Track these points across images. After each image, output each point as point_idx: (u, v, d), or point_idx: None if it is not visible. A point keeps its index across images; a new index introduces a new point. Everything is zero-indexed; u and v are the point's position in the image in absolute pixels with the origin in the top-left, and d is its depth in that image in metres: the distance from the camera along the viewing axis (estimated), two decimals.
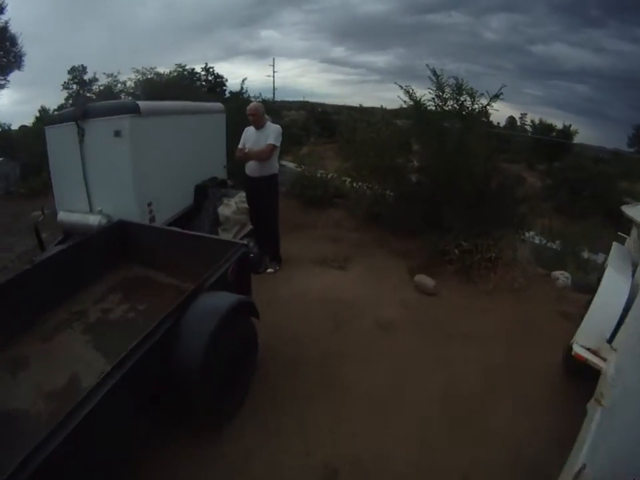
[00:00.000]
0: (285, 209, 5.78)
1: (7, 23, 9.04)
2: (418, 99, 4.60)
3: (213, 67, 18.70)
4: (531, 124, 26.36)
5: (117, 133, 3.61)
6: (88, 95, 16.17)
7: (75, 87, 17.66)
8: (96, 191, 4.03)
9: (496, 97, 4.20)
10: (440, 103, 4.41)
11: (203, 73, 18.61)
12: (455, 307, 3.45)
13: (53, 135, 4.02)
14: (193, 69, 18.21)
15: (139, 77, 16.06)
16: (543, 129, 24.28)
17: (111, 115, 3.66)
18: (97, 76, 17.13)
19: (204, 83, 18.30)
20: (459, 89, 4.30)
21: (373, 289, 3.67)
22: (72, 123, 3.74)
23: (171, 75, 15.83)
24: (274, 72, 32.62)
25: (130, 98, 14.69)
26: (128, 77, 16.54)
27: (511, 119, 33.51)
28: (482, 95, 4.24)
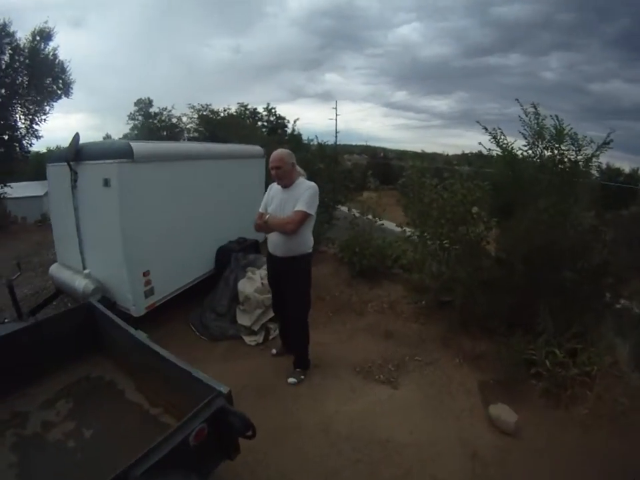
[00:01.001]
0: (329, 279, 5.06)
1: (55, 50, 9.36)
2: (508, 145, 3.70)
3: (274, 108, 18.98)
4: (597, 168, 23.37)
5: (106, 182, 3.03)
6: (152, 127, 16.94)
7: (140, 118, 18.44)
8: (88, 248, 3.47)
9: (605, 144, 3.33)
10: (531, 152, 3.60)
11: (265, 113, 18.96)
12: (540, 455, 2.49)
13: (52, 173, 3.55)
14: (255, 108, 18.87)
15: (193, 112, 16.76)
16: (611, 173, 21.78)
17: (101, 158, 3.09)
18: (162, 110, 18.09)
19: (265, 124, 18.61)
20: (558, 134, 3.38)
21: (429, 424, 2.68)
22: (64, 163, 3.06)
23: (226, 112, 16.41)
24: (336, 115, 32.05)
25: (189, 136, 15.00)
26: (182, 113, 17.46)
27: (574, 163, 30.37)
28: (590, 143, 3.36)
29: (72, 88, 9.75)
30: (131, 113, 18.86)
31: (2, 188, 9.92)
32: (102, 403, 2.26)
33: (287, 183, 2.73)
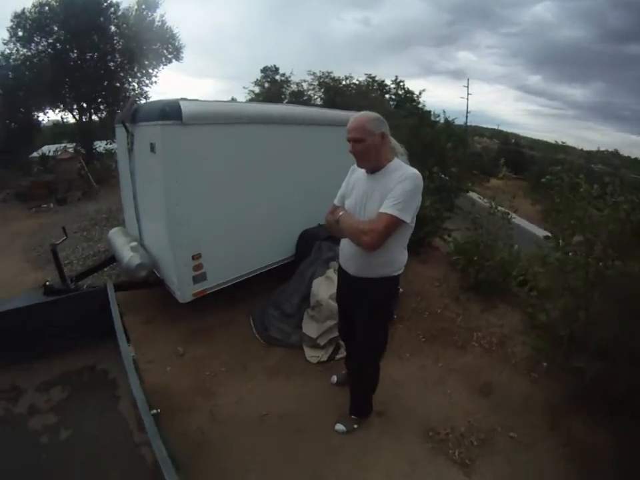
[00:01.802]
0: (434, 287, 4.27)
1: (162, 16, 10.50)
2: None
3: (403, 81, 18.26)
4: None
5: (152, 147, 2.66)
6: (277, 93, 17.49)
7: (266, 85, 18.99)
8: (143, 218, 3.09)
9: None
10: None
11: (393, 86, 18.43)
12: None
13: (117, 134, 3.39)
14: (383, 81, 18.87)
15: (313, 79, 16.93)
16: None
17: (150, 119, 2.73)
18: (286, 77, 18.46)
19: (393, 97, 18.38)
20: None
21: None
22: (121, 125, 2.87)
23: (347, 81, 16.20)
24: (468, 94, 29.42)
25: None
26: (302, 79, 17.68)
27: None
28: None
29: (182, 52, 10.69)
30: (256, 80, 19.05)
31: (111, 144, 11.12)
32: (95, 404, 2.05)
33: (373, 166, 1.84)
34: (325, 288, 3.07)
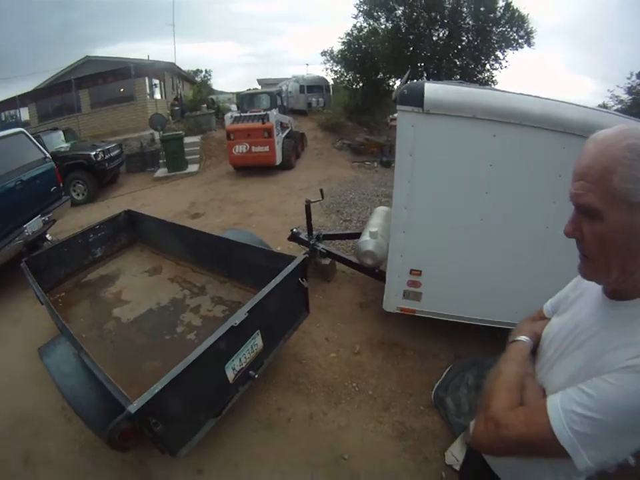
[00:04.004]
0: None
1: (510, 1, 10.03)
2: None
3: None
4: None
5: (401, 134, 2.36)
6: None
7: None
8: (396, 204, 2.94)
9: None
10: None
11: None
12: None
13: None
14: None
15: None
16: None
17: (400, 102, 2.31)
18: None
19: None
20: None
21: None
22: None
23: None
24: None
25: None
26: None
27: None
28: None
29: (533, 38, 10.18)
30: (630, 85, 14.59)
31: None
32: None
33: (610, 283, 0.80)
34: None
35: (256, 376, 2.19)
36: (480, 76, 11.11)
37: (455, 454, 2.24)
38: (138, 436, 1.76)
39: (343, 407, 2.54)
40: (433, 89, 2.19)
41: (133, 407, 1.51)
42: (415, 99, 2.17)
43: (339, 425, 2.41)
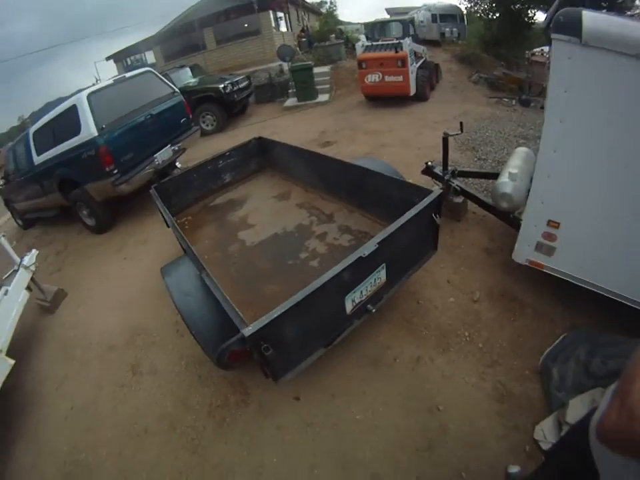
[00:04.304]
0: None
1: None
2: None
3: None
4: None
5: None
6: None
7: None
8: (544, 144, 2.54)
9: None
10: None
11: None
12: None
13: None
14: None
15: None
16: None
17: (556, 30, 1.95)
18: None
19: None
20: None
21: None
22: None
23: None
24: None
25: None
26: None
27: None
28: None
29: None
30: None
31: None
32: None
33: None
34: None
35: (374, 310, 2.15)
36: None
37: (545, 430, 2.02)
38: (246, 358, 1.83)
39: (451, 355, 2.44)
40: (592, 18, 1.87)
41: (247, 330, 1.53)
42: (572, 27, 1.87)
43: (443, 373, 2.34)
